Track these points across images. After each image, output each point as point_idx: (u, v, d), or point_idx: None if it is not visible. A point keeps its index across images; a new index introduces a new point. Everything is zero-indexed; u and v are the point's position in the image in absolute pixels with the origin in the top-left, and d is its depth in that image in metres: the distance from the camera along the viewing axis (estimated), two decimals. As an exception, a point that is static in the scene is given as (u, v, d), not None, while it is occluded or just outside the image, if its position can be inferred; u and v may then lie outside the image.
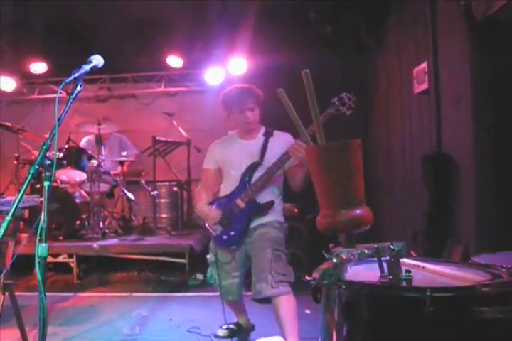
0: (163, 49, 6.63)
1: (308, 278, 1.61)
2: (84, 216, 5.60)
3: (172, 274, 5.13)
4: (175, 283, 4.98)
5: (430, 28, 4.08)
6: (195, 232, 5.66)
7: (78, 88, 1.90)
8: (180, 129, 6.44)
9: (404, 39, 4.87)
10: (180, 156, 6.50)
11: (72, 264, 5.11)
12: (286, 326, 2.82)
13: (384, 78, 5.69)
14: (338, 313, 1.52)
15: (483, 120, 3.37)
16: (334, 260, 1.59)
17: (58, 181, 5.64)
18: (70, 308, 4.19)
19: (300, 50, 5.77)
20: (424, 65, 4.17)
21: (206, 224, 3.09)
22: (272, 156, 3.01)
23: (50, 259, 4.89)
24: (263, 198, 3.07)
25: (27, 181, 1.78)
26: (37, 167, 1.77)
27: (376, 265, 1.56)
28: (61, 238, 5.34)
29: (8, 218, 1.73)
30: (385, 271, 1.53)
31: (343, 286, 1.50)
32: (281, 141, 3.06)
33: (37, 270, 1.72)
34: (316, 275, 1.59)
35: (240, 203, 3.03)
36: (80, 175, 5.68)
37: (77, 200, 5.50)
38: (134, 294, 4.63)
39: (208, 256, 3.24)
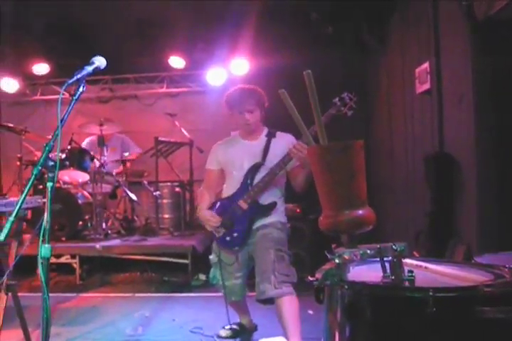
0: (164, 49, 6.63)
1: (310, 278, 1.61)
2: (86, 217, 5.61)
3: (175, 275, 5.14)
4: (177, 283, 4.99)
5: (432, 28, 4.08)
6: (198, 233, 5.66)
7: (81, 89, 1.90)
8: (183, 130, 6.44)
9: (407, 39, 4.87)
10: (182, 157, 6.50)
11: (74, 265, 5.12)
12: (289, 326, 2.82)
13: (386, 78, 5.68)
14: (340, 313, 1.52)
15: (485, 120, 3.37)
16: (337, 260, 1.59)
17: (61, 182, 5.65)
18: (73, 309, 4.19)
19: (301, 50, 5.77)
20: (426, 65, 4.16)
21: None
22: (274, 157, 3.01)
23: (52, 260, 4.89)
24: (265, 199, 3.07)
25: (30, 182, 1.78)
26: (40, 168, 1.77)
27: (378, 265, 1.56)
28: (64, 239, 5.35)
29: (11, 219, 1.73)
30: (388, 271, 1.53)
31: (346, 286, 1.49)
32: (283, 142, 3.05)
33: (40, 270, 1.73)
34: (318, 275, 1.59)
35: (243, 204, 3.03)
36: (82, 176, 5.69)
37: (80, 201, 5.52)
38: (137, 294, 4.64)
39: (211, 257, 3.24)
